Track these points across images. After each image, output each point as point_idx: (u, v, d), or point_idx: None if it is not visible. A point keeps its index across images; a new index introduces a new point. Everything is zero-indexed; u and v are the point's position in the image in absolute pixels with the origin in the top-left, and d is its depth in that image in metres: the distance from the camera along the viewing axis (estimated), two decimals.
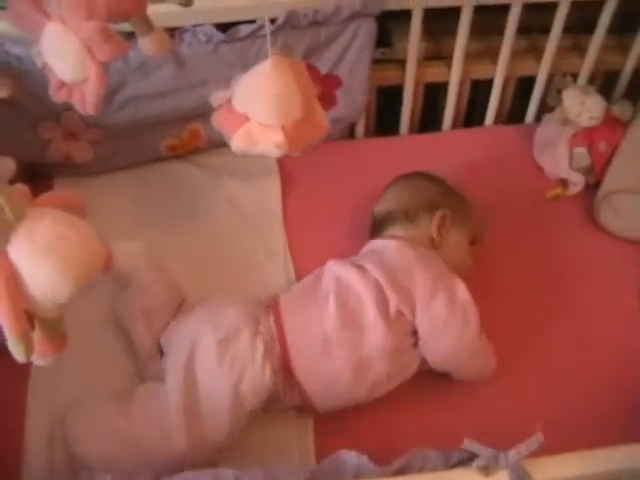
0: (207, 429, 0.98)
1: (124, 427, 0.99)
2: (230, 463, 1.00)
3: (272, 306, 1.08)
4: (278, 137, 0.80)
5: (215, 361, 1.00)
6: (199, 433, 0.97)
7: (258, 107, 0.81)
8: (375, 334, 1.02)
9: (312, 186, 1.42)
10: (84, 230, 0.70)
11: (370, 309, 1.03)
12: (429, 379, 1.11)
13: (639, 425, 1.07)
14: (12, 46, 1.16)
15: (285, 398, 1.05)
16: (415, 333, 1.05)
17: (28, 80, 1.16)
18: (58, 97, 0.83)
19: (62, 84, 0.81)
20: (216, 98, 0.86)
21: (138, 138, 1.34)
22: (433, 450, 0.80)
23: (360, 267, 1.08)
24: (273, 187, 1.38)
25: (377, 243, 1.17)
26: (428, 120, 1.57)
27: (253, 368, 1.00)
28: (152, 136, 1.34)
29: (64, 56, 0.78)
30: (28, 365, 1.04)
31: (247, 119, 0.82)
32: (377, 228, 1.22)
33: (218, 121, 0.86)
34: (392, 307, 1.03)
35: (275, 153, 0.83)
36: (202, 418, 0.98)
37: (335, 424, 1.07)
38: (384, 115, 1.55)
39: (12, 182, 1.26)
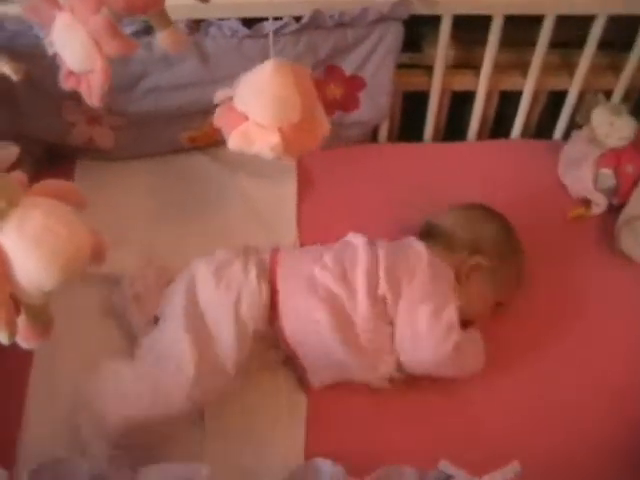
0: (216, 351, 1.02)
1: (139, 370, 1.03)
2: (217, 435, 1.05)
3: (272, 249, 1.15)
4: (274, 139, 0.80)
5: (213, 287, 1.06)
6: (209, 357, 1.01)
7: (256, 107, 0.81)
8: (359, 301, 1.05)
9: (330, 188, 1.41)
10: (74, 223, 0.70)
11: (360, 277, 1.06)
12: (428, 391, 1.11)
13: None
14: (40, 29, 1.18)
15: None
16: (392, 324, 1.07)
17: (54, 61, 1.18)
18: (67, 85, 0.85)
19: (71, 73, 0.82)
20: (219, 95, 0.86)
21: (159, 128, 1.34)
22: (409, 467, 0.78)
23: (372, 243, 1.12)
24: (289, 188, 1.38)
25: (408, 239, 1.17)
26: (455, 129, 1.55)
27: (248, 287, 1.06)
28: (173, 127, 1.35)
29: (72, 46, 0.79)
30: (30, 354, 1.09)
31: (246, 118, 0.82)
32: (420, 234, 1.21)
33: (219, 118, 0.86)
34: (380, 290, 1.06)
35: (269, 155, 0.83)
36: (210, 342, 1.03)
37: (328, 422, 1.08)
38: (409, 120, 1.53)
39: (35, 162, 1.32)
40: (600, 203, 1.35)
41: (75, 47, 0.78)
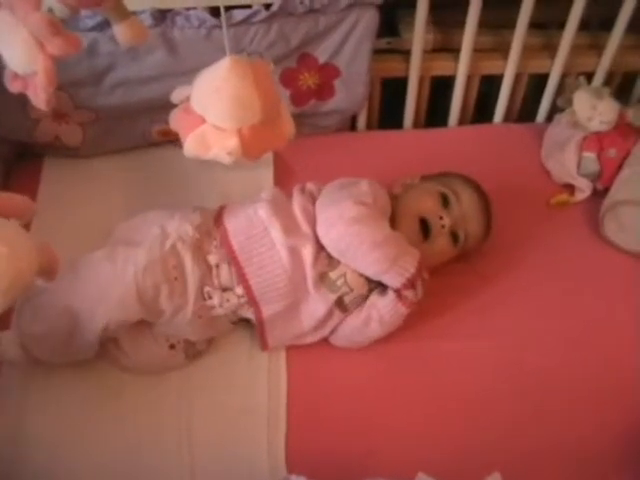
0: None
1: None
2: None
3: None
4: (231, 143, 0.76)
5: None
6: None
7: (213, 109, 0.76)
8: (294, 197, 1.12)
9: (307, 178, 1.35)
10: (16, 241, 0.65)
11: (295, 192, 1.14)
12: (417, 398, 1.09)
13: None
14: None
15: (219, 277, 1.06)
16: None
17: None
18: (13, 88, 0.79)
19: (16, 75, 0.77)
20: (177, 94, 0.81)
21: (129, 122, 1.31)
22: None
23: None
24: (266, 179, 1.34)
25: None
26: (438, 116, 1.51)
27: (183, 211, 1.10)
28: (143, 120, 1.31)
29: (13, 46, 0.74)
30: None
31: (203, 121, 0.77)
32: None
33: (174, 121, 0.81)
34: (307, 187, 1.15)
35: (227, 160, 0.79)
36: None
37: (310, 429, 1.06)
38: (390, 108, 1.49)
39: (2, 162, 1.28)
40: (584, 189, 1.33)
41: (16, 48, 0.73)
